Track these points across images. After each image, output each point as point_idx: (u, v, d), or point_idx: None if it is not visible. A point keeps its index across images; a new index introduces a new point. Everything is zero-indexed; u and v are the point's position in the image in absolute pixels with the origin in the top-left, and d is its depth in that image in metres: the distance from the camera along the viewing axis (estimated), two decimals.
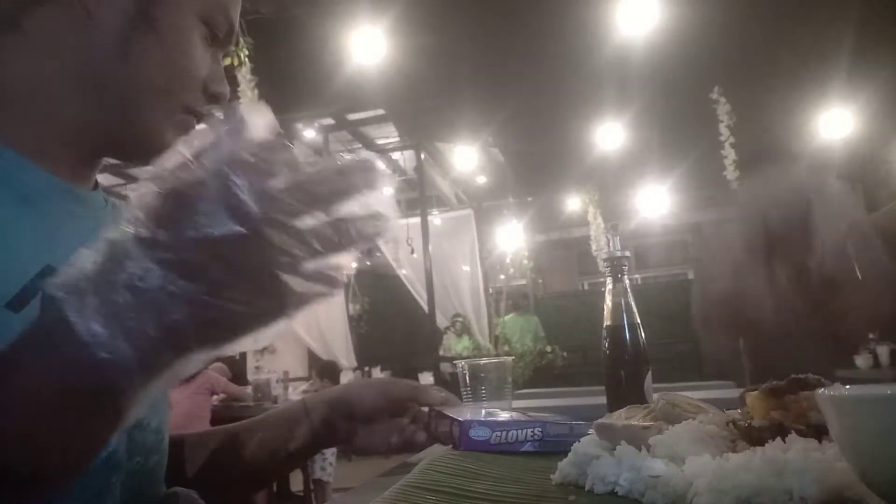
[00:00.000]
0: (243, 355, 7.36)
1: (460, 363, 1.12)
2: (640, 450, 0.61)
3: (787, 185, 0.65)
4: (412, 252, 8.08)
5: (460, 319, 8.49)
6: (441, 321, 8.30)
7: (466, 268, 9.05)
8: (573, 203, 8.81)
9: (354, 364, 8.17)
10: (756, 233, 0.62)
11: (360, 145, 7.91)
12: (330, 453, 4.78)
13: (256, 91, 4.65)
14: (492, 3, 4.43)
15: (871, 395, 0.45)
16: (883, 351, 5.29)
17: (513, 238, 9.45)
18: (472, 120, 6.27)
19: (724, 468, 0.52)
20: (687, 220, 10.48)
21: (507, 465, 0.77)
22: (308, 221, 0.42)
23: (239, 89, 4.53)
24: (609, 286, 1.02)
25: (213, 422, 3.96)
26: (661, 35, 4.31)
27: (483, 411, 0.90)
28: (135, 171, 6.58)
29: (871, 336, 5.93)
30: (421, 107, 6.06)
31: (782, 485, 0.48)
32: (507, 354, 6.61)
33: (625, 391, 0.98)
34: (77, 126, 0.67)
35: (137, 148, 0.71)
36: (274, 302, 0.43)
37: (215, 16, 0.70)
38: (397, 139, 7.79)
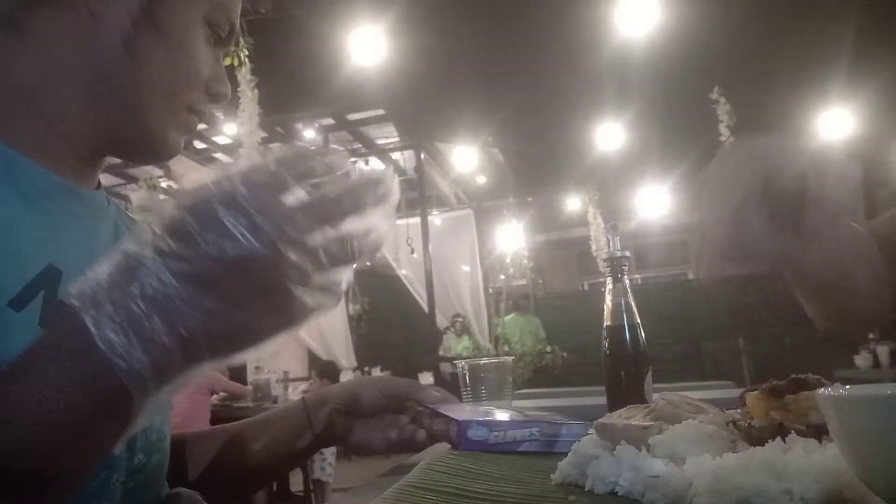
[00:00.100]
0: None
1: (460, 363, 1.12)
2: (640, 450, 0.61)
3: (791, 147, 0.66)
4: (412, 252, 8.08)
5: (460, 319, 8.49)
6: (441, 321, 8.30)
7: (466, 268, 9.05)
8: (573, 203, 8.81)
9: (354, 364, 8.17)
10: (756, 183, 0.63)
11: (360, 145, 7.91)
12: (329, 453, 4.78)
13: (256, 91, 4.65)
14: (492, 4, 4.43)
15: (871, 395, 0.45)
16: (883, 351, 5.29)
17: (513, 238, 9.45)
18: (472, 120, 6.28)
19: (724, 468, 0.52)
20: (687, 220, 10.49)
21: (507, 465, 0.77)
22: (319, 238, 0.44)
23: (239, 89, 4.53)
24: (609, 286, 1.02)
25: (213, 421, 3.96)
26: (661, 35, 4.31)
27: (481, 411, 0.90)
28: (135, 171, 6.59)
29: (871, 336, 5.93)
30: (421, 107, 6.06)
31: (782, 485, 0.48)
32: (507, 354, 6.62)
33: (625, 391, 0.98)
34: (80, 126, 0.67)
35: (140, 147, 0.71)
36: (284, 315, 0.44)
37: (218, 16, 0.70)
38: (397, 139, 7.79)
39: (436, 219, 8.88)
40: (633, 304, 1.01)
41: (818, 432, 0.57)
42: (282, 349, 8.61)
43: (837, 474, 0.47)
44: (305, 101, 6.11)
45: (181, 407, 3.83)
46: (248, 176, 0.44)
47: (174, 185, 6.69)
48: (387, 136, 7.93)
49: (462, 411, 0.87)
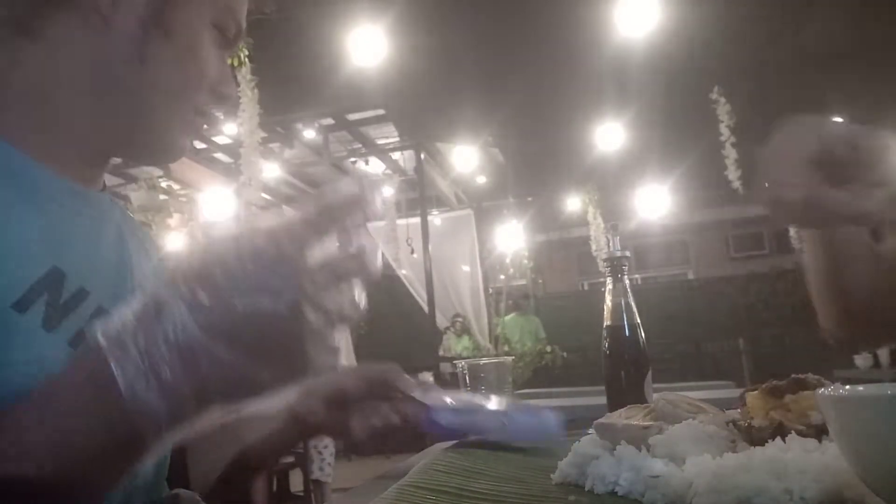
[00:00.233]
0: None
1: (460, 363, 1.12)
2: (640, 450, 0.61)
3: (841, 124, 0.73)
4: (412, 252, 8.08)
5: (460, 319, 8.49)
6: (441, 321, 8.29)
7: (466, 268, 9.05)
8: (573, 203, 8.81)
9: (354, 363, 8.17)
10: (824, 150, 0.68)
11: (360, 145, 7.91)
12: (328, 454, 4.79)
13: (256, 91, 4.65)
14: (492, 4, 4.44)
15: (871, 395, 0.45)
16: (883, 351, 5.29)
17: (513, 238, 9.44)
18: (472, 120, 6.28)
19: (724, 468, 0.52)
20: (687, 220, 10.49)
21: (507, 464, 0.77)
22: (335, 299, 0.46)
23: (239, 89, 4.53)
24: (609, 286, 1.02)
25: None
26: (661, 35, 4.31)
27: (452, 399, 0.90)
28: (135, 171, 6.59)
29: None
30: (421, 107, 6.06)
31: (782, 485, 0.48)
32: (507, 354, 6.62)
33: (625, 391, 0.98)
34: (87, 127, 0.67)
35: (147, 149, 0.72)
36: (295, 370, 0.46)
37: (225, 19, 0.71)
38: (397, 139, 7.78)
39: (436, 219, 8.87)
40: (633, 304, 1.01)
41: (818, 432, 0.57)
42: None
43: (837, 474, 0.47)
44: (305, 101, 6.10)
45: None
46: (276, 233, 0.45)
47: (174, 186, 6.69)
48: (387, 136, 7.92)
49: (435, 397, 0.88)
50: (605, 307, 1.01)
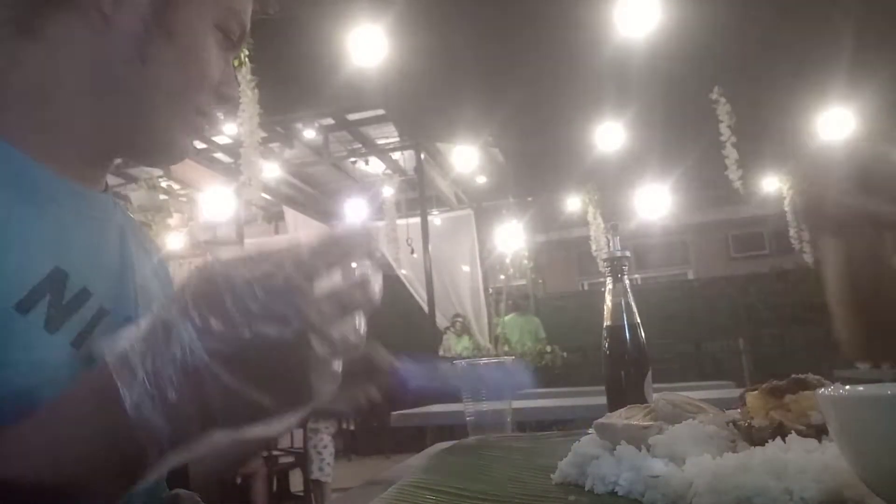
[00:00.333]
0: None
1: (460, 363, 1.12)
2: (640, 450, 0.61)
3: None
4: (412, 252, 8.08)
5: (460, 319, 8.49)
6: (441, 321, 8.29)
7: (466, 268, 9.05)
8: (573, 203, 8.80)
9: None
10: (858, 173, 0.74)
11: (360, 145, 7.91)
12: (328, 454, 4.79)
13: (256, 91, 4.65)
14: (492, 3, 4.43)
15: (871, 395, 0.45)
16: None
17: (513, 238, 9.44)
18: (472, 120, 6.27)
19: (724, 468, 0.52)
20: (687, 220, 10.48)
21: (507, 464, 0.77)
22: (339, 329, 0.47)
23: (239, 89, 4.51)
24: (609, 286, 1.02)
25: None
26: (661, 35, 4.30)
27: (426, 365, 0.90)
28: (135, 171, 6.58)
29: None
30: (421, 107, 6.06)
31: (782, 485, 0.49)
32: (507, 354, 6.62)
33: (625, 391, 0.98)
34: (90, 128, 0.67)
35: (149, 150, 0.72)
36: (298, 397, 0.47)
37: (229, 21, 0.70)
38: (397, 139, 7.78)
39: (436, 219, 8.88)
40: (633, 304, 1.01)
41: (818, 432, 0.57)
42: None
43: (837, 474, 0.47)
44: (305, 101, 6.10)
45: None
46: (284, 261, 0.46)
47: (174, 186, 6.69)
48: (387, 136, 7.92)
49: (411, 366, 0.89)
50: (605, 307, 1.01)
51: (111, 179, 0.79)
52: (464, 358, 1.20)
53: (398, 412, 2.79)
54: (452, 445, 0.90)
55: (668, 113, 5.43)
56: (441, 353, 8.02)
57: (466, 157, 7.39)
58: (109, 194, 0.75)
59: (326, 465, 4.76)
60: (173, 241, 6.34)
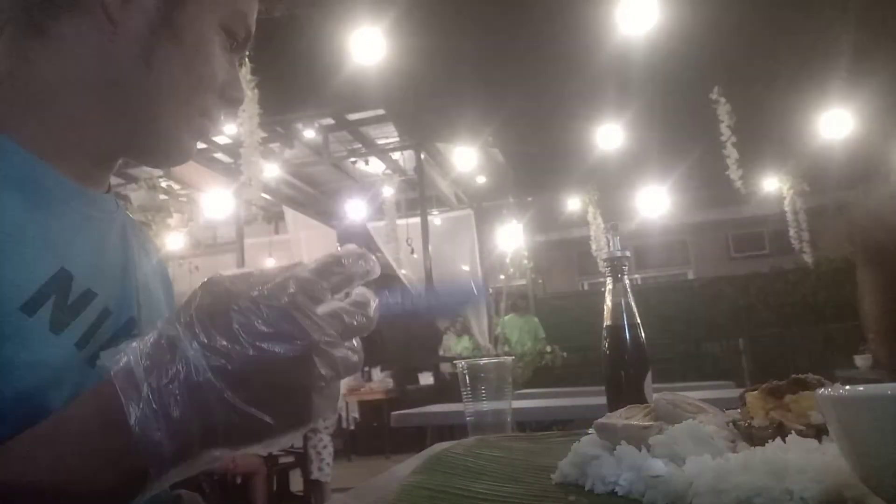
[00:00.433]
0: None
1: (460, 363, 1.12)
2: (640, 450, 0.61)
3: None
4: (412, 252, 8.08)
5: (460, 319, 8.48)
6: (441, 321, 8.29)
7: (466, 268, 9.05)
8: (573, 203, 8.80)
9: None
10: None
11: (360, 145, 7.91)
12: (327, 454, 4.79)
13: (256, 91, 4.65)
14: (491, 4, 4.43)
15: (871, 395, 0.45)
16: None
17: (513, 238, 9.44)
18: (472, 120, 6.27)
19: (724, 468, 0.52)
20: (687, 220, 10.49)
21: (507, 464, 0.77)
22: (342, 349, 0.47)
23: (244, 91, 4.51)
24: (609, 286, 1.02)
25: None
26: (661, 35, 4.30)
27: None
28: (135, 171, 6.58)
29: (871, 336, 5.92)
30: (421, 107, 6.07)
31: (782, 485, 0.48)
32: (507, 354, 6.62)
33: (625, 391, 0.98)
34: (95, 129, 0.67)
35: (154, 151, 0.72)
36: (299, 416, 0.47)
37: (234, 23, 0.70)
38: (397, 139, 7.78)
39: (436, 219, 8.88)
40: (633, 304, 1.01)
41: (818, 432, 0.57)
42: None
43: (837, 474, 0.47)
44: (305, 101, 6.10)
45: None
46: (289, 281, 0.47)
47: (174, 186, 6.69)
48: (387, 136, 7.92)
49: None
50: (605, 307, 1.01)
51: (111, 179, 0.78)
52: (464, 358, 1.20)
53: (398, 412, 2.79)
54: (452, 445, 0.90)
55: (668, 113, 5.43)
56: (441, 352, 8.02)
57: (466, 157, 7.39)
58: (112, 194, 0.75)
59: (326, 465, 4.77)
60: (173, 241, 6.34)
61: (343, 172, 8.75)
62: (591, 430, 0.70)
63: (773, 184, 7.97)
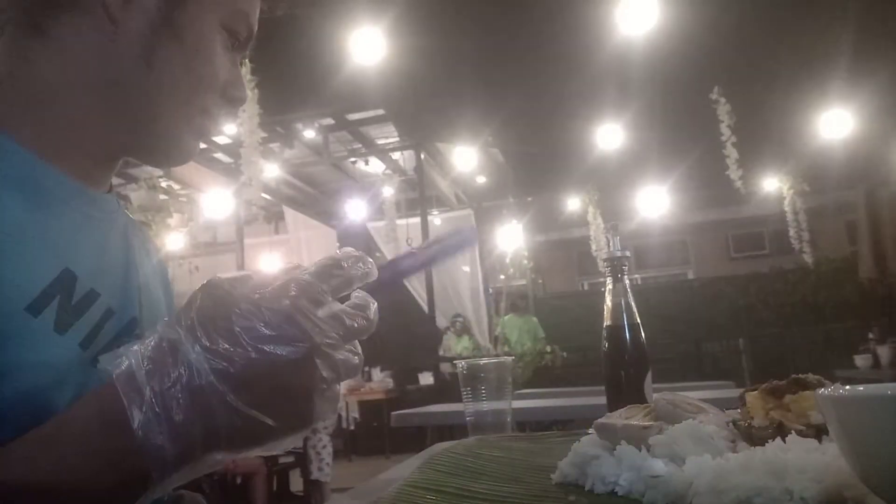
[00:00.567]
0: None
1: (460, 363, 1.12)
2: (640, 450, 0.61)
3: None
4: None
5: (460, 319, 8.49)
6: (441, 321, 8.30)
7: (466, 268, 9.05)
8: (573, 203, 8.81)
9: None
10: None
11: (360, 145, 7.91)
12: (327, 454, 4.79)
13: (256, 91, 4.65)
14: (491, 3, 4.43)
15: (871, 395, 0.45)
16: (883, 351, 5.29)
17: (513, 238, 9.45)
18: (472, 120, 6.27)
19: (724, 468, 0.52)
20: (687, 220, 10.49)
21: (507, 464, 0.77)
22: (343, 352, 0.47)
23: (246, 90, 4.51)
24: (609, 286, 1.02)
25: None
26: (661, 35, 4.30)
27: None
28: (135, 171, 6.58)
29: (870, 336, 5.93)
30: (421, 107, 6.06)
31: (782, 485, 0.49)
32: (507, 354, 6.62)
33: (625, 391, 0.98)
34: (98, 129, 0.67)
35: (156, 150, 0.72)
36: (300, 419, 0.48)
37: (236, 22, 0.70)
38: (397, 139, 7.79)
39: (436, 219, 8.88)
40: (633, 304, 1.01)
41: (818, 432, 0.57)
42: None
43: (837, 474, 0.47)
44: (305, 101, 6.10)
45: None
46: (290, 284, 0.47)
47: (174, 186, 6.69)
48: (387, 136, 7.93)
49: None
50: (605, 307, 1.01)
51: (113, 180, 0.78)
52: (464, 358, 1.20)
53: (398, 412, 2.79)
54: (452, 445, 0.90)
55: (668, 113, 5.43)
56: (441, 352, 8.02)
57: (466, 157, 7.39)
58: (114, 195, 0.75)
59: (326, 464, 4.77)
60: (173, 241, 6.34)
61: (343, 172, 8.76)
62: (591, 430, 0.70)
63: (773, 184, 7.96)
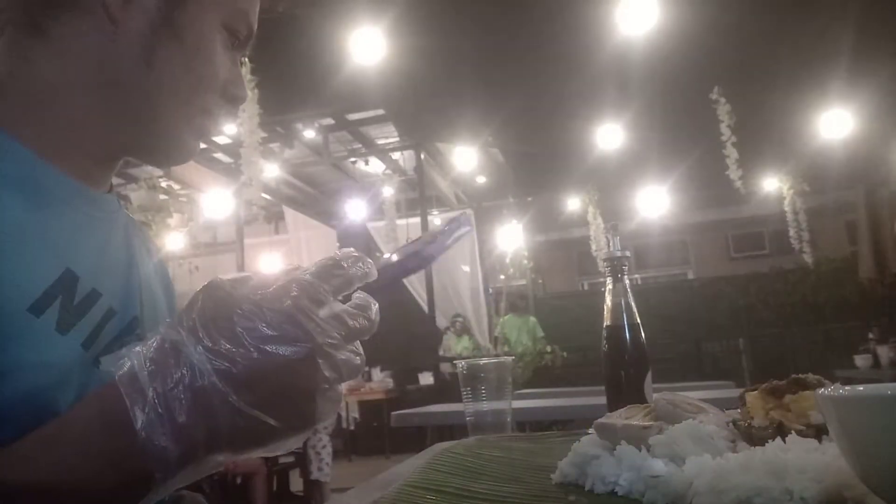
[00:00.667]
0: None
1: (460, 363, 1.12)
2: (640, 450, 0.61)
3: None
4: None
5: (460, 319, 8.49)
6: (441, 321, 8.30)
7: (466, 268, 9.05)
8: (573, 203, 8.80)
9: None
10: None
11: (360, 145, 7.91)
12: (326, 454, 4.79)
13: (256, 91, 4.65)
14: (492, 4, 4.43)
15: (871, 395, 0.45)
16: (883, 351, 5.29)
17: (513, 238, 9.45)
18: (472, 120, 6.27)
19: (724, 468, 0.52)
20: (687, 220, 10.49)
21: (507, 464, 0.77)
22: (345, 352, 0.47)
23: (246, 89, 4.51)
24: (609, 286, 1.02)
25: None
26: (661, 35, 4.30)
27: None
28: (135, 170, 6.58)
29: (870, 336, 5.93)
30: (421, 107, 6.06)
31: (782, 485, 0.49)
32: (507, 354, 6.62)
33: (625, 391, 0.98)
34: (99, 128, 0.67)
35: (156, 150, 0.72)
36: (302, 419, 0.48)
37: (236, 21, 0.70)
38: (397, 139, 7.79)
39: (436, 219, 8.88)
40: (633, 304, 1.01)
41: (818, 432, 0.57)
42: None
43: (837, 474, 0.47)
44: (305, 101, 6.10)
45: None
46: (291, 284, 0.47)
47: (174, 186, 6.69)
48: (387, 136, 7.93)
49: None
50: (605, 307, 1.01)
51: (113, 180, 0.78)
52: (464, 358, 1.20)
53: (398, 412, 2.79)
54: (452, 445, 0.90)
55: (668, 113, 5.43)
56: (441, 352, 8.02)
57: (466, 157, 7.39)
58: (114, 194, 0.75)
59: (325, 464, 4.77)
60: (173, 241, 6.34)
61: (343, 172, 8.76)
62: (591, 430, 0.70)
63: (773, 184, 7.96)
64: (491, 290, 9.72)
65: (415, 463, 0.78)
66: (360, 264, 0.51)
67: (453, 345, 8.27)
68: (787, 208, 7.92)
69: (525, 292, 9.66)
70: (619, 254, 1.01)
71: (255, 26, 0.73)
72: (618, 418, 0.69)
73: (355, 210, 8.77)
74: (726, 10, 4.21)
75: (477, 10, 4.40)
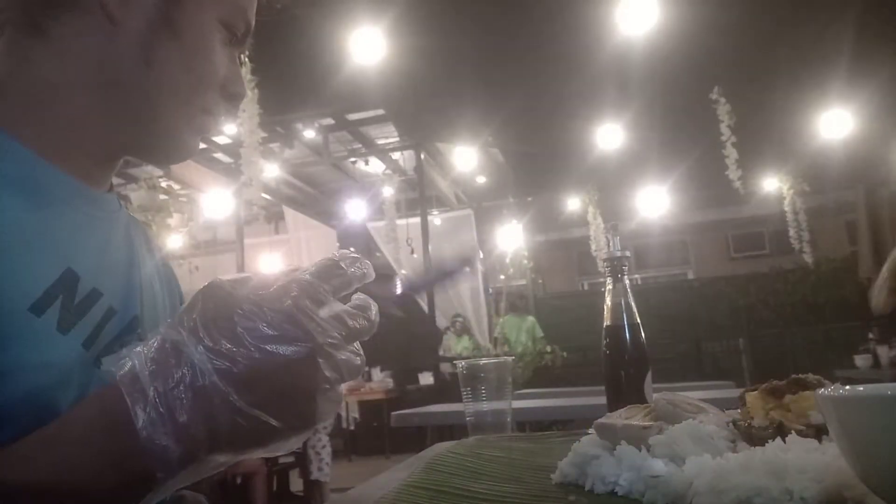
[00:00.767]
0: None
1: (460, 363, 1.12)
2: (640, 450, 0.61)
3: None
4: (412, 252, 8.09)
5: (460, 319, 8.49)
6: (441, 321, 8.30)
7: (466, 268, 9.04)
8: (573, 203, 8.80)
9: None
10: None
11: (360, 145, 7.91)
12: (326, 454, 4.79)
13: (256, 91, 4.65)
14: (492, 4, 4.43)
15: (871, 395, 0.45)
16: (883, 351, 5.29)
17: (513, 238, 9.45)
18: (472, 120, 6.27)
19: (724, 468, 0.52)
20: (687, 220, 10.49)
21: (507, 464, 0.77)
22: (345, 351, 0.48)
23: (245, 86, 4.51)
24: (609, 286, 1.02)
25: None
26: (661, 35, 4.30)
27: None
28: (135, 170, 6.58)
29: (870, 336, 5.93)
30: (421, 107, 6.06)
31: (782, 485, 0.49)
32: (507, 354, 6.63)
33: (625, 391, 0.98)
34: (98, 128, 0.67)
35: (156, 149, 0.72)
36: (303, 419, 0.48)
37: (234, 18, 0.70)
38: (397, 139, 7.79)
39: (436, 219, 8.88)
40: (633, 304, 1.01)
41: (818, 432, 0.57)
42: None
43: (837, 474, 0.47)
44: (305, 101, 6.10)
45: None
46: (291, 284, 0.47)
47: (174, 186, 6.69)
48: (387, 136, 7.93)
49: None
50: (605, 307, 1.01)
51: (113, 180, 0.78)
52: (464, 358, 1.20)
53: (398, 412, 2.79)
54: (452, 445, 0.90)
55: (668, 113, 5.43)
56: (441, 352, 8.02)
57: (466, 157, 7.39)
58: (115, 194, 0.75)
59: (325, 464, 4.77)
60: (173, 241, 6.34)
61: (343, 172, 8.76)
62: (591, 430, 0.70)
63: (772, 184, 7.96)
64: (491, 290, 9.72)
65: (415, 463, 0.78)
66: (359, 265, 0.51)
67: (453, 345, 8.28)
68: (786, 208, 7.92)
69: (525, 292, 9.66)
70: (619, 254, 1.01)
71: (253, 23, 0.74)
72: (618, 418, 0.69)
73: (355, 210, 8.77)
74: (726, 10, 4.21)
75: (477, 10, 4.40)
